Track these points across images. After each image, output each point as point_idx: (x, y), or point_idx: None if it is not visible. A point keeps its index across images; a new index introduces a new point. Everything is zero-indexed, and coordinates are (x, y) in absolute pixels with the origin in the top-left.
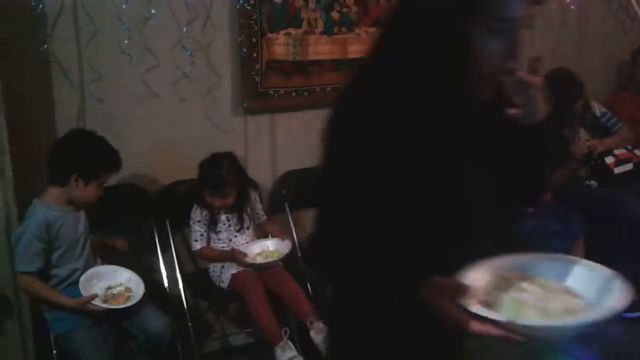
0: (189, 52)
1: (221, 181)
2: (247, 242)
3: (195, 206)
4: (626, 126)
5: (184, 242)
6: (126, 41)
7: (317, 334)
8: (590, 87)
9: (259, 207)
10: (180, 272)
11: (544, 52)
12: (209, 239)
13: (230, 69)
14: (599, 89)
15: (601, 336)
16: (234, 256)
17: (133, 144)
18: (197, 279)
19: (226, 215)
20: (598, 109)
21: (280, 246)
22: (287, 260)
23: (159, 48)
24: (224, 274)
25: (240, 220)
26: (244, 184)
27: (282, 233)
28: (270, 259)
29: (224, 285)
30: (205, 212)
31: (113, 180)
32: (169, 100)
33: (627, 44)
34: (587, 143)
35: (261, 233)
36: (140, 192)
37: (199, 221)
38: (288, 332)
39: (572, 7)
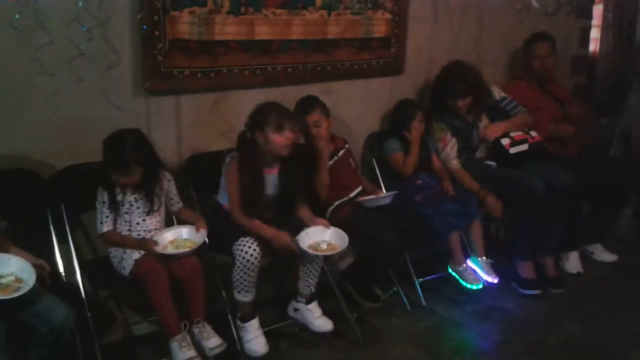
0: (85, 28)
1: (125, 158)
2: (156, 229)
3: (100, 187)
4: (525, 110)
5: (82, 229)
6: (17, 16)
7: (201, 335)
8: (490, 72)
9: (173, 192)
10: (78, 260)
11: (445, 40)
12: (116, 222)
13: (130, 47)
14: (499, 75)
15: (498, 311)
16: (143, 245)
17: (25, 125)
18: (97, 267)
19: (134, 196)
20: (498, 93)
21: (194, 236)
22: (201, 250)
23: (53, 24)
24: (125, 260)
25: (150, 201)
26: (152, 161)
27: (198, 220)
28: (181, 249)
29: (125, 272)
30: (108, 193)
31: (4, 164)
32: (64, 79)
33: (523, 33)
34: (482, 133)
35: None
36: (33, 176)
37: (104, 202)
38: (188, 326)
39: None
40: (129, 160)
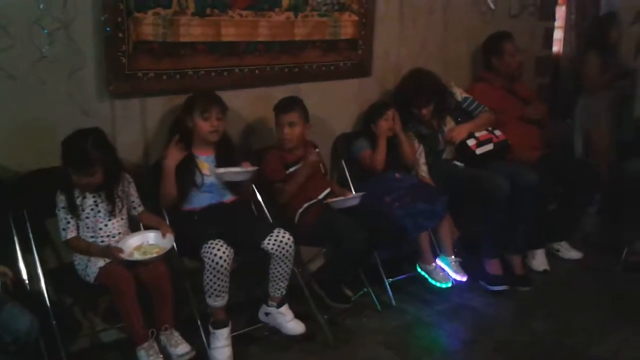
0: (46, 31)
1: (86, 157)
2: (120, 233)
3: (58, 191)
4: (487, 109)
5: (47, 235)
6: None
7: (169, 341)
8: (455, 74)
9: (134, 194)
10: (42, 267)
11: (412, 41)
12: (79, 227)
13: (94, 49)
14: (464, 76)
15: (467, 309)
16: (108, 253)
17: None
18: (61, 274)
19: (94, 199)
20: (460, 94)
21: (161, 241)
22: (168, 254)
23: (14, 26)
24: (89, 267)
25: (111, 203)
26: (114, 161)
27: (163, 225)
28: (148, 255)
29: (90, 279)
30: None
31: None
32: (26, 83)
33: (487, 33)
34: (447, 136)
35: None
36: None
37: (63, 207)
38: (155, 333)
39: None
40: (91, 159)
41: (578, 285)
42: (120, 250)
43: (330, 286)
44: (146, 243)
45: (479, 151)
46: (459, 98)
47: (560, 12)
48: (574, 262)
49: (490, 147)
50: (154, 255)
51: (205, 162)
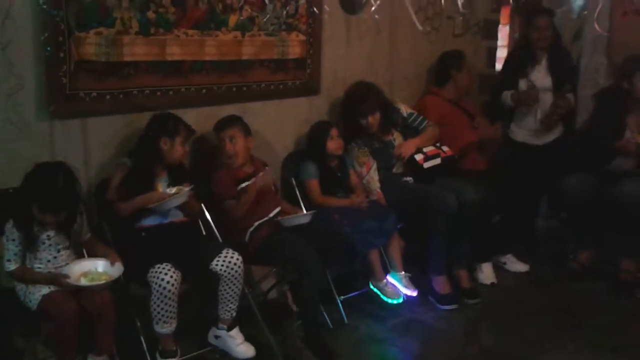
0: None
1: (60, 199)
2: (67, 263)
3: (11, 222)
4: (432, 124)
5: None
6: None
7: None
8: (401, 92)
9: (84, 223)
10: None
11: (359, 60)
12: (24, 256)
13: (34, 69)
14: (409, 94)
15: (418, 324)
16: (54, 280)
17: None
18: (1, 300)
19: (47, 234)
20: (404, 110)
21: (110, 269)
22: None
23: None
24: (32, 293)
25: (68, 239)
26: (78, 198)
27: (111, 254)
28: (96, 282)
29: (32, 306)
30: (21, 231)
31: None
32: None
33: (432, 53)
34: (396, 152)
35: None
36: None
37: (13, 239)
38: None
39: (377, 16)
40: (63, 201)
41: (525, 297)
42: (66, 277)
43: (314, 342)
44: (94, 270)
45: (426, 165)
46: (405, 114)
47: (504, 31)
48: (521, 274)
49: (437, 161)
50: (103, 281)
51: (159, 183)
